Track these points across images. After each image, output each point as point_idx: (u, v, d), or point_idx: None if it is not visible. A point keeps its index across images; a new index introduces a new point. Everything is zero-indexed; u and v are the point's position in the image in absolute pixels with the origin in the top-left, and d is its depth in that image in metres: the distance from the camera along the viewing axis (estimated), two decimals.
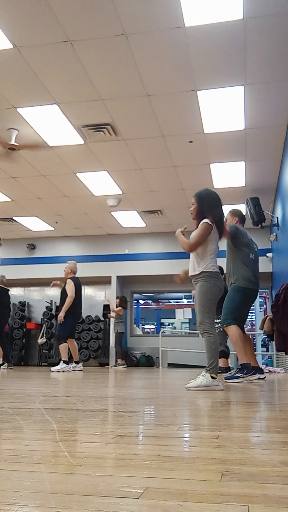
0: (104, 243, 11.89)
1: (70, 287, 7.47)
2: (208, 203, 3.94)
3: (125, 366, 10.09)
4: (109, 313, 10.62)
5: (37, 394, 3.11)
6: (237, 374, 4.45)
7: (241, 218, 5.06)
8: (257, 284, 4.82)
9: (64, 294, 7.56)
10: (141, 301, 19.20)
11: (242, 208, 9.10)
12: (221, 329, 6.45)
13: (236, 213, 5.07)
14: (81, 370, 7.53)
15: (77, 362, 7.64)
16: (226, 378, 4.55)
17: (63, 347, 7.53)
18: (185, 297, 17.99)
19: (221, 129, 6.45)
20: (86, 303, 9.61)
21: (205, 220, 3.84)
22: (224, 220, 4.26)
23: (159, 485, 0.96)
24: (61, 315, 7.41)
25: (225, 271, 5.29)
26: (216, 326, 6.57)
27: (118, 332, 10.01)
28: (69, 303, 7.41)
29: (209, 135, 6.60)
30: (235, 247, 4.78)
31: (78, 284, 7.65)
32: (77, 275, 7.84)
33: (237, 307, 4.69)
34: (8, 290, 8.61)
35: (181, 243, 3.94)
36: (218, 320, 6.52)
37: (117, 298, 10.44)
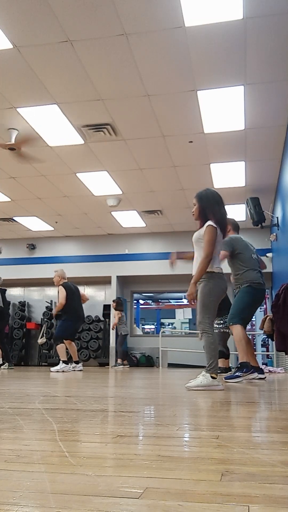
0: (104, 243, 11.89)
1: (61, 295, 7.53)
2: (209, 203, 3.93)
3: (128, 366, 10.09)
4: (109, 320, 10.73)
5: (37, 394, 3.11)
6: (237, 373, 4.47)
7: (234, 226, 5.11)
8: (264, 284, 4.90)
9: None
10: (141, 301, 19.20)
11: (242, 208, 9.12)
12: (221, 330, 6.47)
13: (229, 222, 5.09)
14: (81, 370, 7.53)
15: (76, 362, 7.64)
16: (226, 378, 4.56)
17: (60, 348, 7.54)
18: (185, 297, 17.97)
19: (221, 129, 6.45)
20: (86, 303, 9.59)
21: (209, 223, 3.83)
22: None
23: (159, 485, 0.96)
24: (54, 312, 7.67)
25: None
26: (217, 326, 6.61)
27: (121, 334, 10.01)
28: (57, 309, 7.61)
29: (209, 135, 6.60)
30: (235, 255, 4.85)
31: (71, 288, 7.66)
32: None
33: (245, 308, 4.77)
34: (5, 290, 8.61)
35: (203, 269, 3.75)
36: (219, 322, 6.54)
37: (113, 301, 10.41)
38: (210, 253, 3.77)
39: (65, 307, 7.49)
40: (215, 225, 3.82)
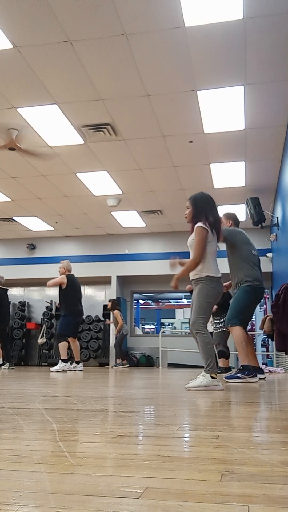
0: (104, 243, 11.89)
1: (62, 280, 7.49)
2: (203, 206, 3.93)
3: (128, 366, 10.08)
4: (108, 320, 10.70)
5: (37, 394, 3.11)
6: (238, 375, 4.44)
7: (235, 221, 5.05)
8: (263, 283, 4.80)
9: (61, 293, 7.57)
10: (141, 301, 19.20)
11: (242, 208, 9.12)
12: (223, 329, 6.46)
13: (230, 216, 5.05)
14: (81, 370, 7.53)
15: (77, 362, 7.64)
16: (226, 378, 4.55)
17: (62, 346, 7.53)
18: (185, 297, 17.99)
19: (221, 129, 6.45)
20: (86, 303, 9.60)
21: (198, 224, 3.83)
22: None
23: (159, 485, 0.96)
24: (50, 283, 7.58)
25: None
26: (218, 326, 6.61)
27: (121, 334, 10.00)
28: (52, 282, 7.54)
29: (209, 135, 6.60)
30: (235, 246, 4.74)
31: (73, 280, 7.64)
32: (77, 275, 7.84)
33: (244, 308, 4.66)
34: (7, 290, 8.61)
35: (189, 269, 3.84)
36: (219, 321, 6.53)
37: (109, 301, 10.40)
38: (199, 254, 3.78)
39: (64, 302, 7.49)
40: (205, 226, 3.82)
